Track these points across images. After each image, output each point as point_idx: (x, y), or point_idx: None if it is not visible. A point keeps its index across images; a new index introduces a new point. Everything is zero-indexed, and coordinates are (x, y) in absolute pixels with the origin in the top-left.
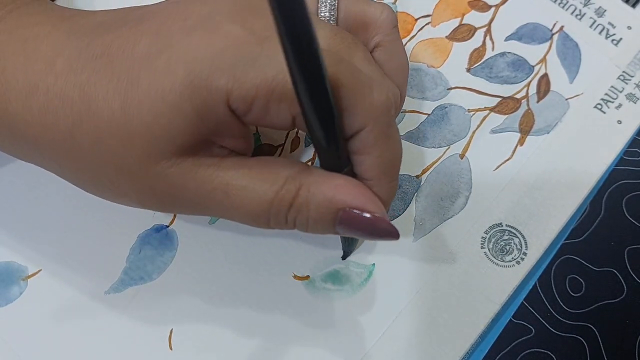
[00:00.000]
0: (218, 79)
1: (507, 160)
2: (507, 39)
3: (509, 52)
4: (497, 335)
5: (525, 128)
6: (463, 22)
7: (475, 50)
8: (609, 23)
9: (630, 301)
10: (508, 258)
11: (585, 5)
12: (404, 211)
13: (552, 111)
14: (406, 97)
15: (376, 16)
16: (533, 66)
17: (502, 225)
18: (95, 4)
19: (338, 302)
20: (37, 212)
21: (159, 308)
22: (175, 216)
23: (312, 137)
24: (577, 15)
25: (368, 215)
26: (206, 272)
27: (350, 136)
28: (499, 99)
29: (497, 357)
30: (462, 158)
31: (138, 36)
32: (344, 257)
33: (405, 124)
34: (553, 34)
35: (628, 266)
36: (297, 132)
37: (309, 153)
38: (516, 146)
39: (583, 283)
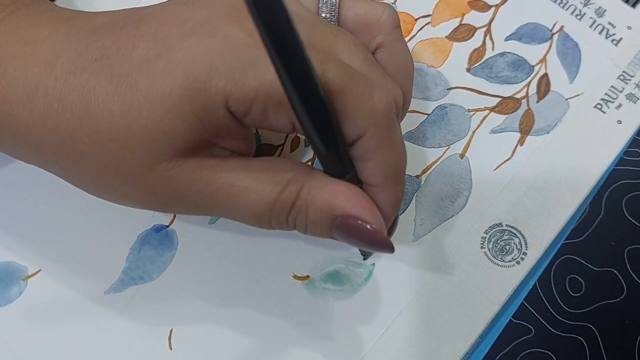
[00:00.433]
0: (217, 81)
1: (507, 160)
2: (507, 39)
3: (509, 52)
4: (497, 335)
5: (525, 128)
6: (463, 22)
7: (475, 50)
8: (609, 23)
9: (630, 301)
10: (508, 258)
11: (585, 5)
12: (404, 211)
13: (552, 111)
14: None
15: (378, 16)
16: (533, 66)
17: (502, 225)
18: (96, 5)
19: (338, 302)
20: (37, 212)
21: (159, 308)
22: (175, 216)
23: (311, 143)
24: (577, 15)
25: (365, 225)
26: (206, 272)
27: (352, 142)
28: (499, 99)
29: (497, 357)
30: (462, 158)
31: (137, 39)
32: (365, 258)
33: (405, 124)
34: (553, 34)
35: (628, 266)
36: (296, 133)
37: (309, 153)
38: (516, 146)
39: (583, 283)
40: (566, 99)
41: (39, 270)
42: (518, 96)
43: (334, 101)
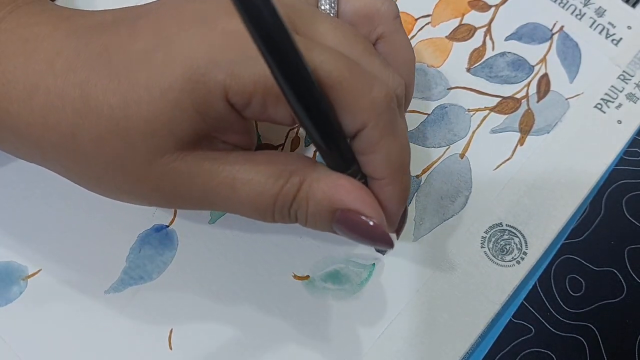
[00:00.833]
0: (216, 74)
1: (507, 160)
2: (507, 38)
3: (509, 52)
4: (497, 335)
5: (525, 128)
6: (463, 22)
7: (475, 50)
8: (609, 23)
9: (630, 301)
10: (508, 258)
11: (585, 5)
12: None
13: (552, 111)
14: None
15: (377, 7)
16: (533, 66)
17: (502, 225)
18: (97, 4)
19: (338, 302)
20: (37, 212)
21: (159, 308)
22: (175, 216)
23: (310, 138)
24: (577, 15)
25: (365, 219)
26: (206, 271)
27: (353, 135)
28: (499, 99)
29: (497, 357)
30: (462, 158)
31: (136, 34)
32: (383, 253)
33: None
34: (553, 34)
35: (628, 266)
36: (297, 132)
37: (309, 153)
38: (516, 146)
39: (583, 283)
40: (566, 99)
41: (39, 270)
42: (518, 96)
43: (332, 94)
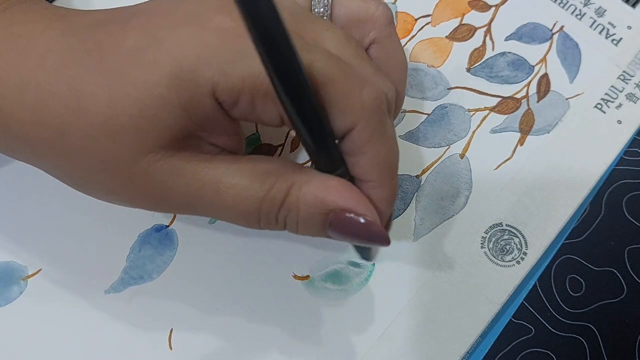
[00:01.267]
0: (204, 71)
1: (507, 160)
2: (507, 38)
3: (509, 52)
4: (497, 335)
5: (525, 128)
6: (463, 22)
7: (475, 50)
8: (609, 23)
9: (630, 301)
10: (508, 258)
11: (585, 5)
12: (404, 211)
13: (552, 111)
14: (406, 97)
15: (371, 12)
16: (533, 66)
17: (502, 225)
18: (94, 3)
19: (338, 302)
20: (37, 212)
21: (159, 308)
22: (175, 216)
23: (299, 137)
24: (577, 15)
25: (359, 218)
26: (206, 271)
27: (342, 137)
28: (499, 99)
29: (497, 357)
30: (462, 158)
31: (127, 32)
32: (368, 259)
33: (405, 124)
34: (553, 34)
35: (628, 266)
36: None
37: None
38: (516, 146)
39: (583, 283)
40: (566, 99)
41: (39, 270)
42: (518, 96)
43: (322, 93)
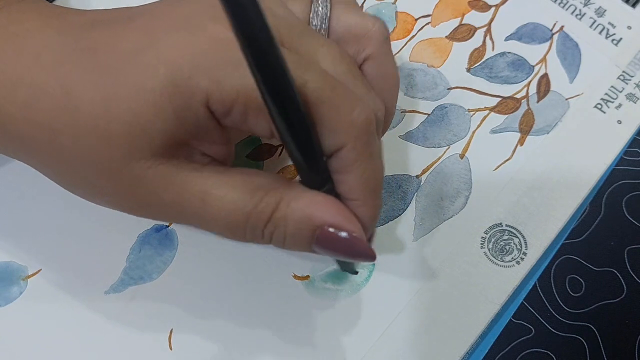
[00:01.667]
0: (199, 80)
1: (507, 160)
2: (507, 38)
3: (509, 52)
4: (497, 335)
5: (525, 128)
6: (463, 22)
7: (475, 50)
8: (609, 23)
9: (630, 301)
10: (508, 258)
11: (585, 5)
12: (404, 211)
13: (552, 111)
14: (406, 97)
15: (368, 28)
16: (533, 66)
17: (502, 225)
18: (92, 3)
19: (338, 302)
20: (37, 212)
21: (159, 308)
22: None
23: (289, 153)
24: (577, 15)
25: (345, 234)
26: (206, 272)
27: (330, 155)
28: (499, 99)
29: (497, 357)
30: (462, 158)
31: (123, 34)
32: (355, 273)
33: (405, 124)
34: (553, 34)
35: (628, 266)
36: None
37: None
38: (516, 146)
39: (583, 283)
40: (566, 99)
41: (39, 270)
42: (518, 96)
43: (313, 111)
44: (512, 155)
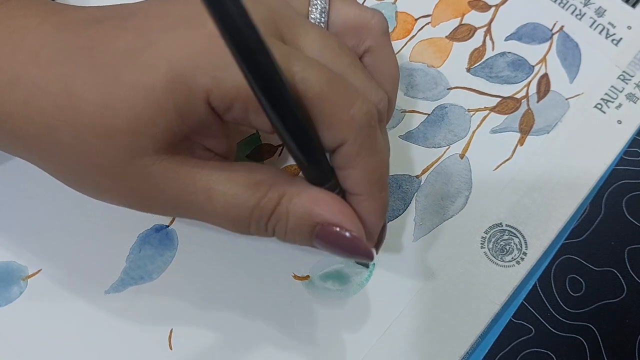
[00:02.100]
0: (199, 77)
1: (507, 160)
2: (507, 38)
3: (509, 52)
4: (497, 335)
5: (525, 128)
6: (463, 22)
7: (475, 50)
8: (609, 23)
9: (630, 301)
10: (508, 258)
11: (585, 5)
12: (404, 211)
13: (552, 111)
14: (406, 97)
15: (367, 20)
16: (533, 66)
17: (502, 225)
18: (90, 1)
19: (338, 302)
20: (37, 212)
21: (159, 308)
22: None
23: (289, 151)
24: (577, 15)
25: (345, 233)
26: (206, 272)
27: (333, 150)
28: (499, 99)
29: (497, 357)
30: (462, 158)
31: (122, 31)
32: (367, 266)
33: (405, 124)
34: (553, 34)
35: (628, 266)
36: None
37: None
38: (516, 146)
39: (583, 283)
40: (566, 99)
41: (39, 270)
42: (518, 96)
43: (312, 108)
44: (512, 155)
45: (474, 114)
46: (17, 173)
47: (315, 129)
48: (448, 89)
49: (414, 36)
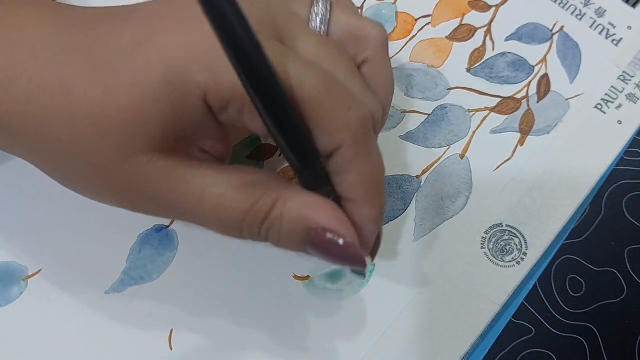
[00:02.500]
0: (196, 75)
1: (507, 160)
2: (507, 38)
3: (509, 52)
4: (497, 335)
5: (525, 128)
6: (463, 22)
7: (475, 50)
8: (609, 23)
9: (630, 301)
10: (508, 258)
11: (585, 5)
12: (404, 211)
13: (552, 111)
14: (406, 97)
15: (367, 31)
16: (533, 66)
17: (502, 225)
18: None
19: (338, 302)
20: (37, 212)
21: (159, 308)
22: None
23: (284, 155)
24: (577, 15)
25: (339, 240)
26: (206, 272)
27: (328, 155)
28: (499, 99)
29: (497, 357)
30: (462, 158)
31: (121, 30)
32: (362, 275)
33: (405, 124)
34: (553, 34)
35: (628, 266)
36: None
37: None
38: (516, 146)
39: (583, 283)
40: (566, 99)
41: (39, 270)
42: (518, 96)
43: (308, 112)
44: (512, 155)
45: (474, 114)
46: (17, 173)
47: (310, 132)
48: (448, 89)
49: (414, 36)
